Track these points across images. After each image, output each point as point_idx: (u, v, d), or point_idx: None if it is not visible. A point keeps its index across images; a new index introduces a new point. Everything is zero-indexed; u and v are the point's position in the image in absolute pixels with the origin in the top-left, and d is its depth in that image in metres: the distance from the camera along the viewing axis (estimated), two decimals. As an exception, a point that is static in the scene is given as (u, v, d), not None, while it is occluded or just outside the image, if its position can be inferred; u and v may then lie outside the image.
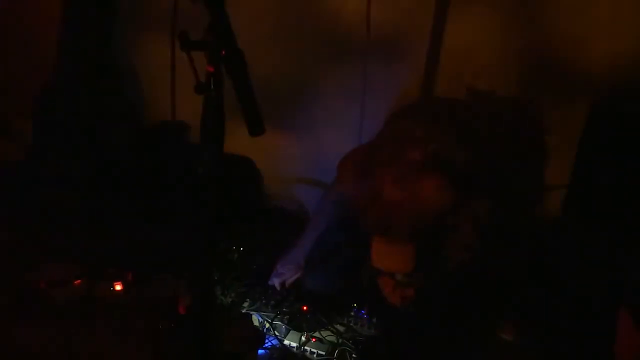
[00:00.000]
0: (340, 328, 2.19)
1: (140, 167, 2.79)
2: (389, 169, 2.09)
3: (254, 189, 3.07)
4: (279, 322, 2.20)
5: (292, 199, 3.07)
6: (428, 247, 2.10)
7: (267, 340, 2.12)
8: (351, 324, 2.21)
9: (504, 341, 2.10)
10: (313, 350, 2.08)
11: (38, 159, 2.89)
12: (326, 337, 2.14)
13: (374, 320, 2.22)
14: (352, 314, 2.25)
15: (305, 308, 2.26)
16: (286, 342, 2.12)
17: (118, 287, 2.21)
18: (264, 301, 2.28)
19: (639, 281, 1.94)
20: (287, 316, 2.22)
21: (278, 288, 2.34)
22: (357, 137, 2.76)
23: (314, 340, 2.13)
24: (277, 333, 2.16)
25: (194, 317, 1.71)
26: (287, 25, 2.82)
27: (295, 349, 2.11)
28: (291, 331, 2.17)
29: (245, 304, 2.27)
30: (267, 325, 2.18)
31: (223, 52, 1.17)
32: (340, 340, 2.13)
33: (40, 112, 2.93)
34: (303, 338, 2.13)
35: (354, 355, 2.06)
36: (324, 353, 2.07)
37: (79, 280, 2.19)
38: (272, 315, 2.21)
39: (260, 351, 2.08)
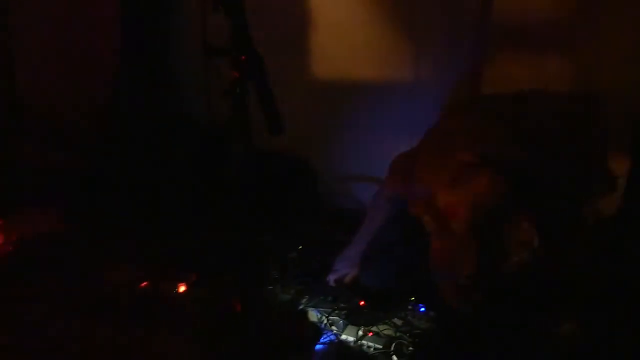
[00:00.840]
0: (398, 321, 2.20)
1: (202, 170, 2.90)
2: (440, 174, 2.03)
3: (311, 188, 3.12)
4: (337, 317, 2.23)
5: (350, 197, 3.10)
6: (489, 247, 2.06)
7: (324, 335, 2.16)
8: (408, 317, 2.21)
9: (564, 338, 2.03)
10: (370, 344, 2.10)
11: (104, 165, 3.05)
12: (383, 331, 2.16)
13: (432, 313, 2.22)
14: (410, 307, 2.25)
15: (362, 303, 2.28)
16: (343, 336, 2.15)
17: (182, 288, 2.32)
18: (322, 297, 2.32)
19: None
20: (345, 311, 2.25)
21: (333, 285, 2.38)
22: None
23: (370, 334, 2.14)
24: (334, 328, 2.19)
25: (246, 315, 1.77)
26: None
27: (352, 343, 2.13)
28: (348, 326, 2.19)
29: (304, 300, 2.32)
30: (325, 320, 2.22)
31: (243, 58, 1.23)
32: (397, 334, 2.13)
33: (104, 119, 3.09)
34: (360, 332, 2.15)
35: (410, 348, 2.07)
36: (381, 346, 2.08)
37: (145, 283, 2.32)
38: (330, 310, 2.25)
39: (317, 346, 2.12)
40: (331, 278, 2.40)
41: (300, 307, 2.29)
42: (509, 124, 2.18)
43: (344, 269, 2.43)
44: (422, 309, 2.24)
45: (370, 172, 2.95)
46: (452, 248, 2.03)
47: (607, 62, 2.43)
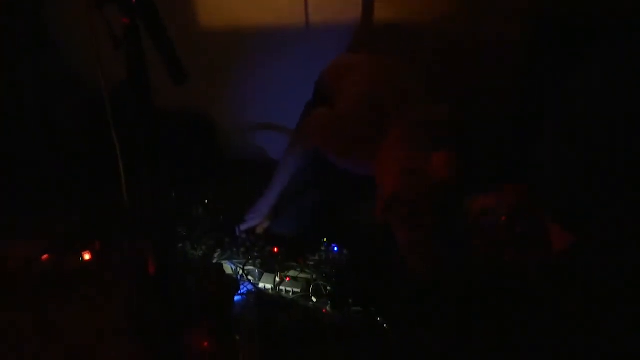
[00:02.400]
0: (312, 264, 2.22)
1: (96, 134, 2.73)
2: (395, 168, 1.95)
3: (212, 142, 3.05)
4: (252, 267, 2.22)
5: (254, 147, 3.06)
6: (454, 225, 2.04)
7: (242, 286, 2.15)
8: (323, 258, 2.24)
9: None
10: (288, 289, 2.11)
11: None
12: (300, 275, 2.18)
13: (345, 252, 2.26)
14: (323, 248, 2.28)
15: (275, 250, 2.28)
16: (261, 285, 2.15)
17: (87, 257, 2.21)
18: (234, 250, 2.29)
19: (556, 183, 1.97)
20: (259, 260, 2.24)
21: (242, 235, 2.36)
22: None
23: (288, 279, 2.16)
24: (250, 278, 2.18)
25: (160, 275, 1.72)
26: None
27: (270, 291, 2.14)
28: (264, 274, 2.19)
29: (217, 255, 2.29)
30: (240, 271, 2.20)
31: (134, 1, 1.14)
32: (314, 276, 2.16)
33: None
34: (277, 279, 2.16)
35: (328, 288, 2.10)
36: (299, 290, 2.11)
37: (45, 255, 2.18)
38: (244, 261, 2.23)
39: (236, 297, 2.11)
40: (241, 228, 2.38)
41: (214, 261, 2.26)
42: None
43: (254, 220, 2.41)
44: (336, 249, 2.27)
45: (272, 120, 2.92)
46: (420, 240, 1.99)
47: None
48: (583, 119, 1.98)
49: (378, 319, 1.97)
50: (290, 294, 2.11)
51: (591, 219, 1.98)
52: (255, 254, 2.27)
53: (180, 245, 2.32)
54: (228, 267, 2.23)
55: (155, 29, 1.14)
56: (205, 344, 1.84)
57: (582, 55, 2.07)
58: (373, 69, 2.23)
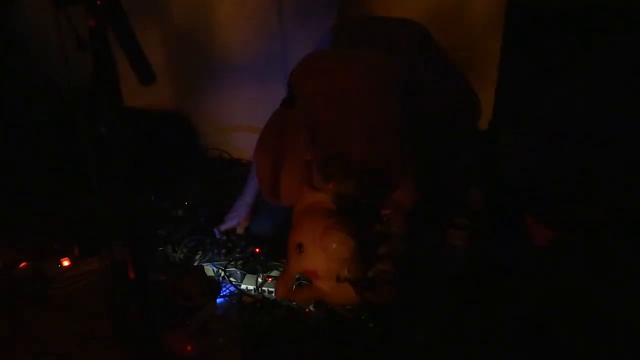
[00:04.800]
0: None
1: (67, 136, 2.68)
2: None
3: (192, 142, 3.03)
4: (234, 269, 2.20)
5: (231, 147, 3.04)
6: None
7: (224, 288, 2.13)
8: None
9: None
10: (271, 289, 2.09)
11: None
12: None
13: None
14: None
15: (257, 250, 2.26)
16: (243, 286, 2.13)
17: (66, 263, 2.18)
18: (215, 251, 2.27)
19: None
20: (241, 261, 2.22)
21: (220, 237, 2.35)
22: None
23: (270, 280, 2.14)
24: (232, 279, 2.16)
25: (141, 279, 1.70)
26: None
27: (253, 292, 2.12)
28: (247, 275, 2.17)
29: (197, 257, 2.26)
30: (222, 273, 2.18)
31: (99, 3, 1.11)
32: (298, 275, 2.14)
33: None
34: (260, 280, 2.14)
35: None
36: (282, 290, 2.08)
37: (23, 264, 2.15)
38: (225, 262, 2.21)
39: (219, 300, 2.09)
40: (219, 230, 2.36)
41: (195, 263, 2.24)
42: None
43: (233, 220, 2.39)
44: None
45: (252, 120, 2.89)
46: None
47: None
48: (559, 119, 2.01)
49: (362, 317, 1.96)
50: (273, 294, 2.08)
51: (571, 215, 2.01)
52: (237, 255, 2.25)
53: (161, 248, 2.29)
54: (210, 269, 2.21)
55: (121, 30, 1.11)
56: (188, 347, 1.82)
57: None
58: (324, 87, 2.11)
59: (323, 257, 1.78)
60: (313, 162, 1.91)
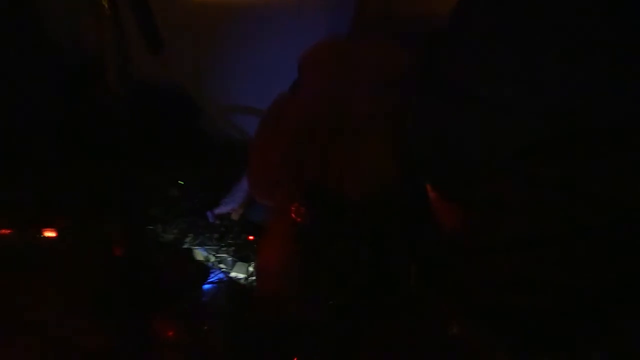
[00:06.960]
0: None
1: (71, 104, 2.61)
2: None
3: (193, 121, 2.95)
4: (225, 255, 2.13)
5: (237, 129, 2.96)
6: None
7: (212, 274, 2.06)
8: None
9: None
10: (261, 279, 2.03)
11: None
12: (274, 266, 2.10)
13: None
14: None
15: (251, 238, 2.20)
16: (233, 274, 2.07)
17: (51, 234, 2.10)
18: (207, 235, 2.20)
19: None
20: (233, 248, 2.16)
21: (214, 221, 2.28)
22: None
23: (261, 269, 2.08)
24: (222, 266, 2.10)
25: (128, 258, 1.64)
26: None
27: (242, 280, 2.05)
28: (238, 263, 2.11)
29: (188, 239, 2.19)
30: (212, 258, 2.12)
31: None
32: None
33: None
34: (250, 268, 2.08)
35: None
36: (272, 281, 2.03)
37: (6, 230, 2.07)
38: (217, 247, 2.15)
39: (205, 286, 2.02)
40: (213, 213, 2.29)
41: (185, 246, 2.17)
42: None
43: (229, 205, 2.32)
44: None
45: (257, 101, 2.82)
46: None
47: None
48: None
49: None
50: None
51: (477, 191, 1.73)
52: (230, 241, 2.18)
53: (151, 227, 2.22)
54: (200, 253, 2.15)
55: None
56: (170, 333, 1.76)
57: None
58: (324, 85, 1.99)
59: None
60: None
